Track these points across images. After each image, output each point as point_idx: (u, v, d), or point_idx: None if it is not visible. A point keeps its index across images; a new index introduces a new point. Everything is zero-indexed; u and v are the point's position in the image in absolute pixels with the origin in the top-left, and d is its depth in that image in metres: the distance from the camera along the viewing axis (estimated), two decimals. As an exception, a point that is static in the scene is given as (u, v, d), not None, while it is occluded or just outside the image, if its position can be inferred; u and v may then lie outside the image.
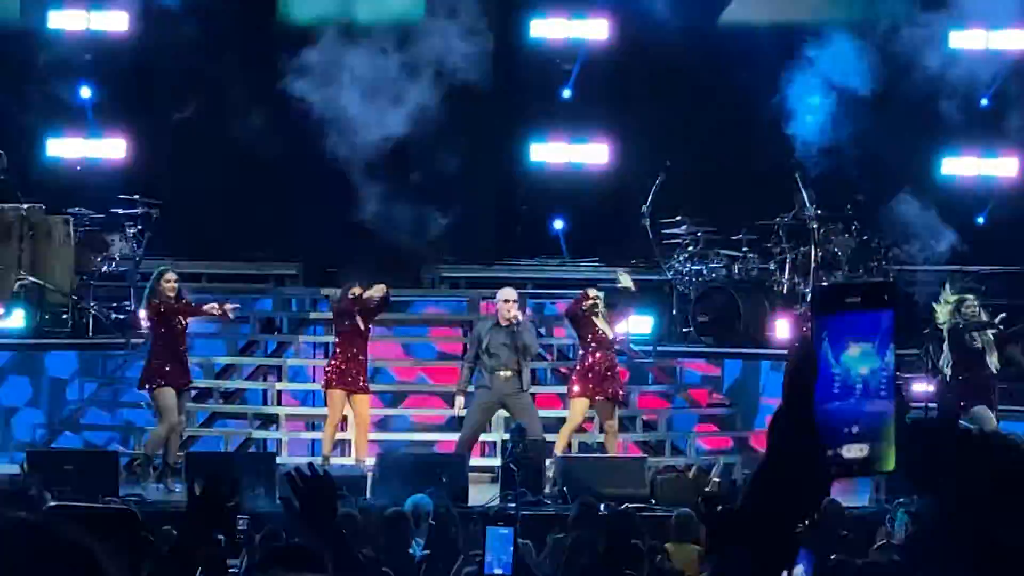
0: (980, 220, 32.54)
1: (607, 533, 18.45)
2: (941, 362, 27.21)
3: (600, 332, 26.44)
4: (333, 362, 27.15)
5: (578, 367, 26.81)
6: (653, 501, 24.23)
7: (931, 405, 27.15)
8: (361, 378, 27.05)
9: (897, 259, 30.06)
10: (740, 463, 26.63)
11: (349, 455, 27.70)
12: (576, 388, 26.60)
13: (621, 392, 26.69)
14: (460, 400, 26.93)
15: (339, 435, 27.75)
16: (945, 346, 26.98)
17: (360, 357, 27.10)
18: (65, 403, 28.59)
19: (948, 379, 26.74)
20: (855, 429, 3.63)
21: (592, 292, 27.05)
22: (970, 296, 27.07)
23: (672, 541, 19.96)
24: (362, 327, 27.08)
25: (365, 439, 27.07)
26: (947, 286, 27.66)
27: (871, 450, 3.66)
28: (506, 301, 26.82)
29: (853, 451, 3.63)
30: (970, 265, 30.73)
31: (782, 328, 28.93)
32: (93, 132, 32.06)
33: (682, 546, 19.58)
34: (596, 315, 26.42)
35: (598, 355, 26.32)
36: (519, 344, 26.50)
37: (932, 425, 5.74)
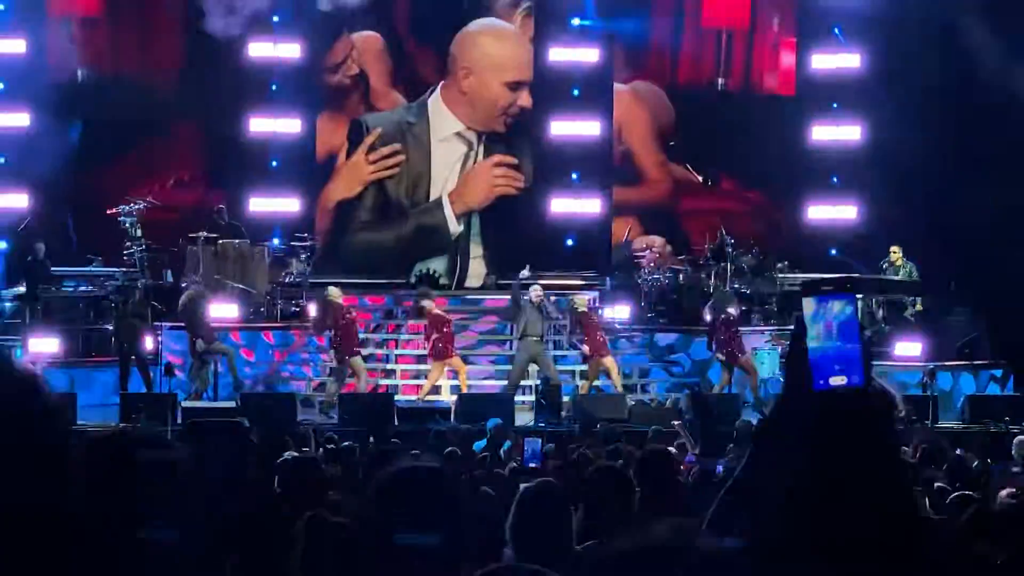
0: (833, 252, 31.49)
1: (602, 441, 18.78)
2: None
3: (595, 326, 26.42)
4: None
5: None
6: (629, 422, 24.16)
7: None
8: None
9: (782, 271, 29.61)
10: (685, 399, 26.03)
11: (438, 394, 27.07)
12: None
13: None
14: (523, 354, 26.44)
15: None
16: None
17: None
18: (263, 363, 27.81)
19: None
20: (837, 367, 3.54)
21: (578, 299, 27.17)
22: None
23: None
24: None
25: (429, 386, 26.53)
26: None
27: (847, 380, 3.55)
28: (536, 290, 26.61)
29: (837, 380, 3.53)
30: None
31: (705, 313, 27.71)
32: (278, 192, 31.13)
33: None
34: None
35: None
36: (546, 314, 26.46)
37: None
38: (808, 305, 3.58)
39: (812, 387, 3.53)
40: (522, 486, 6.68)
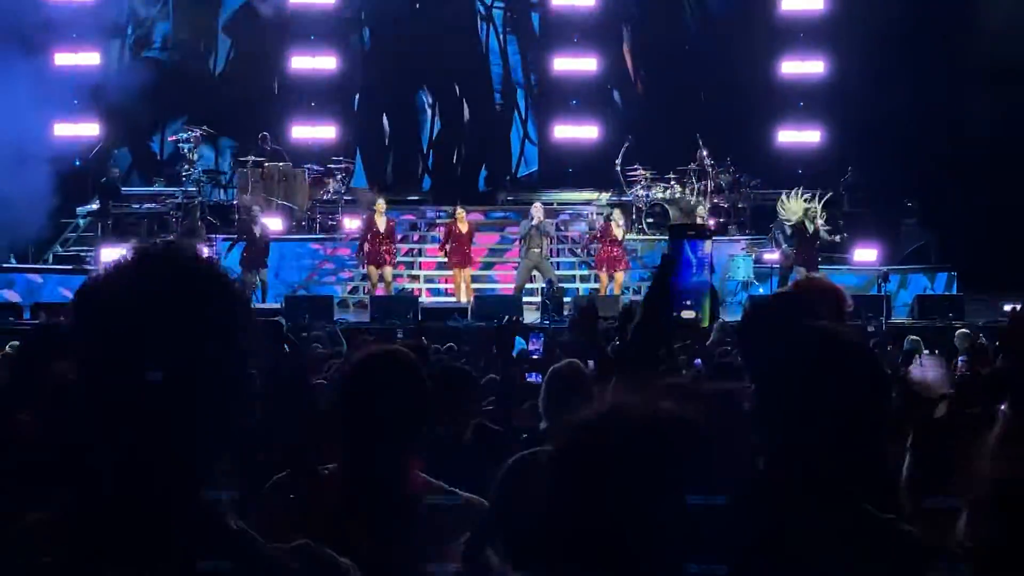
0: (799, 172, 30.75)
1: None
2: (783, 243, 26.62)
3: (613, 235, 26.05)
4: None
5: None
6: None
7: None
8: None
9: (757, 188, 29.61)
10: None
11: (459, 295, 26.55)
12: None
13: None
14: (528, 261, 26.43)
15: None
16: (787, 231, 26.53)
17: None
18: (304, 269, 27.70)
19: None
20: (688, 302, 3.65)
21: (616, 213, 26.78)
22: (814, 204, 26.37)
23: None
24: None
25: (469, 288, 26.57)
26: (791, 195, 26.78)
27: (695, 314, 3.68)
28: (537, 208, 26.63)
29: (687, 314, 3.66)
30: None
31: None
32: (316, 121, 31.30)
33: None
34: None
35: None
36: (544, 231, 26.39)
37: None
38: (673, 246, 3.71)
39: (667, 316, 3.68)
40: (552, 367, 7.07)
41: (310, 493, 4.26)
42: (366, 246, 25.99)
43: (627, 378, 3.80)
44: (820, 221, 26.27)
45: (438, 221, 28.85)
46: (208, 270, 2.46)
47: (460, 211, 26.76)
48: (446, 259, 26.71)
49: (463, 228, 26.37)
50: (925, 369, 4.75)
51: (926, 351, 5.23)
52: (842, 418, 3.23)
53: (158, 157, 30.94)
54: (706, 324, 3.75)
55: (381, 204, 26.34)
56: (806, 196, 26.84)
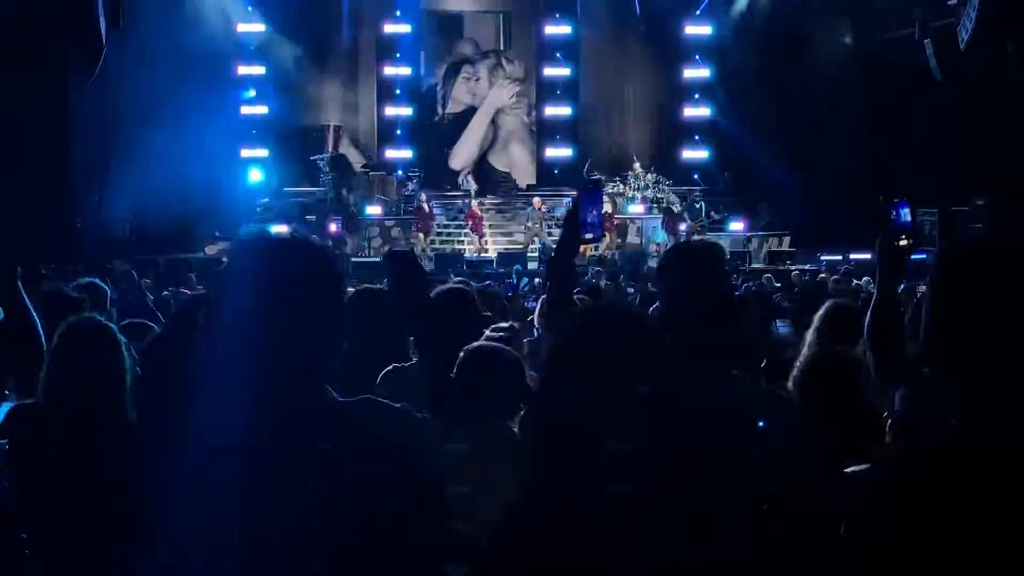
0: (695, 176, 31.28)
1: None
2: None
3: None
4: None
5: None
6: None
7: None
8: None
9: (670, 185, 30.10)
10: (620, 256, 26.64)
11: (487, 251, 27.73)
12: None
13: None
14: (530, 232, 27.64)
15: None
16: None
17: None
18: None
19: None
20: (589, 228, 3.53)
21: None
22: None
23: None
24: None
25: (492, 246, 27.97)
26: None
27: (594, 236, 3.58)
28: (537, 201, 28.37)
29: (587, 238, 3.55)
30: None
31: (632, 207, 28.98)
32: (400, 147, 31.53)
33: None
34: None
35: None
36: (542, 215, 27.79)
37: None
38: (579, 195, 3.71)
39: (577, 240, 3.68)
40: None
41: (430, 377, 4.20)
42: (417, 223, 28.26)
43: (555, 292, 3.77)
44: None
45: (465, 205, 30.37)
46: (316, 252, 2.43)
47: (473, 202, 29.05)
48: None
49: (476, 212, 28.79)
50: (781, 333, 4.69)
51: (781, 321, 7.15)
52: (715, 303, 3.36)
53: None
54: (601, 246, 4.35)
55: (423, 197, 28.73)
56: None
